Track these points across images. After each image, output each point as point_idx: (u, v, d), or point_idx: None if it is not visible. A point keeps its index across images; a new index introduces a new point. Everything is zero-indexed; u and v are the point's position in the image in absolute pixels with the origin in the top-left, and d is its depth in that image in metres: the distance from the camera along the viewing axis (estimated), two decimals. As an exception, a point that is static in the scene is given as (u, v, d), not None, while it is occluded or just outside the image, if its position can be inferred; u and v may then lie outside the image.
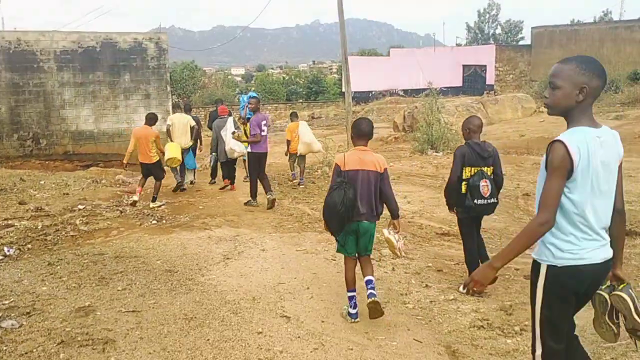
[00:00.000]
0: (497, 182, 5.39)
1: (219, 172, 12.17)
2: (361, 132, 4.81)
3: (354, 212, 4.55)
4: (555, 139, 2.56)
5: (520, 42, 60.34)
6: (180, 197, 11.07)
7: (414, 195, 10.14)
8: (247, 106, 10.81)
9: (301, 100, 49.80)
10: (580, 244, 2.60)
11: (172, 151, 10.99)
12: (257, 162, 9.75)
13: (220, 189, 11.78)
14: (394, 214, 4.89)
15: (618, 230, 2.78)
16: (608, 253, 2.67)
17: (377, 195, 4.75)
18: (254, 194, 9.96)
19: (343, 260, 4.95)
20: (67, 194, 11.48)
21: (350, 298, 4.75)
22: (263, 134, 9.62)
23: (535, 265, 2.74)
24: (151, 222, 8.90)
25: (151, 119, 10.55)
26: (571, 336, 2.83)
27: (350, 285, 4.75)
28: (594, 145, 2.54)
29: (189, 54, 69.47)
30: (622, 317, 2.71)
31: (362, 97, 40.71)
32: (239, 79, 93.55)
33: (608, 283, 2.78)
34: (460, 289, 5.34)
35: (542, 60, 42.02)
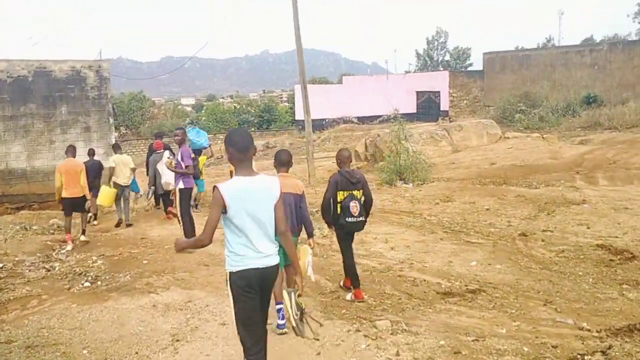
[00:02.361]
0: (366, 203, 6.26)
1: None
2: (282, 161, 5.67)
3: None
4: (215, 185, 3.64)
5: (469, 68, 60.84)
6: (121, 246, 9.41)
7: (396, 238, 8.81)
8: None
9: (253, 129, 48.40)
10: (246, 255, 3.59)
11: (107, 198, 11.48)
12: (187, 197, 9.15)
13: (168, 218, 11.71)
14: (310, 234, 5.79)
15: (286, 246, 3.85)
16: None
17: (296, 214, 5.57)
18: (190, 235, 8.63)
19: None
20: (-16, 248, 9.65)
21: (279, 310, 5.23)
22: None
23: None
24: (83, 284, 7.26)
25: (72, 151, 10.44)
26: (264, 332, 3.73)
27: (279, 298, 5.18)
28: (246, 188, 3.57)
29: (137, 85, 67.55)
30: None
31: (316, 125, 39.41)
32: (189, 109, 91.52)
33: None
34: (347, 297, 6.25)
35: (495, 85, 42.11)
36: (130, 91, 58.38)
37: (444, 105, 42.28)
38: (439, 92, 42.43)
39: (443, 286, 6.54)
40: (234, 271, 3.61)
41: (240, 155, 3.67)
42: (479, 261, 7.43)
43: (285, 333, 5.17)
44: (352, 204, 6.03)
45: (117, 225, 11.68)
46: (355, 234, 6.53)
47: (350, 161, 6.43)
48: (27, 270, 8.15)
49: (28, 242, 10.15)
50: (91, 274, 7.73)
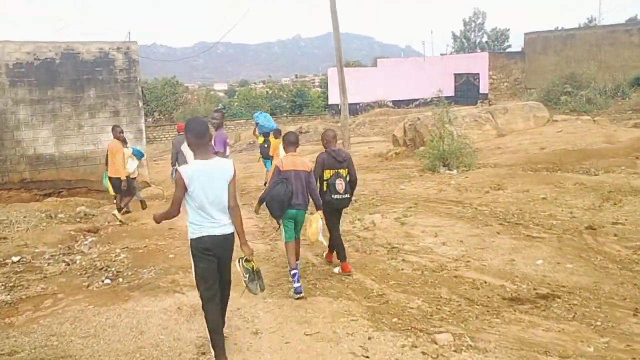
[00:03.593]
0: (351, 182, 6.55)
1: None
2: (291, 142, 6.19)
3: (291, 201, 5.84)
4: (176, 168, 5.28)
5: (508, 50, 58.84)
6: (147, 238, 8.75)
7: (446, 232, 7.92)
8: (256, 125, 12.42)
9: (286, 114, 47.70)
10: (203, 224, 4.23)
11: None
12: None
13: None
14: (317, 204, 6.12)
15: (235, 220, 4.34)
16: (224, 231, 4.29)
17: (306, 189, 5.99)
18: None
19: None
20: (5, 238, 9.12)
21: (294, 275, 5.76)
22: (226, 153, 8.27)
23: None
24: (103, 281, 6.60)
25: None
26: (218, 288, 4.37)
27: (293, 265, 5.85)
28: (203, 170, 4.19)
29: (171, 71, 67.54)
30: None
31: (350, 110, 38.21)
32: (221, 94, 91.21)
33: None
34: (335, 270, 6.54)
35: (536, 67, 40.40)
36: (163, 76, 58.31)
37: (484, 87, 40.70)
38: (478, 74, 40.84)
39: (508, 290, 5.66)
40: (193, 238, 4.26)
41: (197, 141, 4.24)
42: (545, 259, 6.52)
43: (303, 297, 5.59)
44: (337, 181, 6.34)
45: (143, 208, 11.91)
46: (344, 212, 7.09)
47: (336, 140, 6.71)
48: (46, 264, 7.54)
49: (50, 232, 9.58)
50: (113, 269, 7.08)
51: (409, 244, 7.42)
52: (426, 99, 41.36)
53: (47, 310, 5.64)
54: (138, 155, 12.27)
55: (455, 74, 42.59)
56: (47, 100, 15.81)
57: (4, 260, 7.67)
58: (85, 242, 8.95)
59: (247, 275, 4.60)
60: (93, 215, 12.49)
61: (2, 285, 6.46)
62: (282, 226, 6.06)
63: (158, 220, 4.44)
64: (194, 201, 4.18)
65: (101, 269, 7.12)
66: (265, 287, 4.85)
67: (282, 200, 5.78)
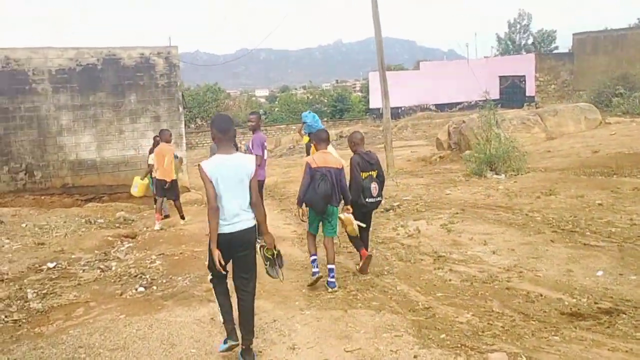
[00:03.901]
0: (381, 183, 6.47)
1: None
2: (322, 139, 6.24)
3: (331, 199, 5.98)
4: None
5: (555, 51, 57.18)
6: (184, 244, 8.54)
7: (496, 240, 7.43)
8: (302, 124, 11.71)
9: (326, 119, 47.44)
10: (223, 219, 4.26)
11: (141, 190, 11.90)
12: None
13: None
14: (347, 201, 6.16)
15: (257, 214, 4.41)
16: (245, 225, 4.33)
17: (337, 186, 6.00)
18: None
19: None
20: (43, 243, 9.06)
21: (313, 260, 6.05)
22: (264, 157, 7.95)
23: None
24: (137, 289, 6.38)
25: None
26: (236, 284, 4.50)
27: (314, 250, 6.10)
28: (223, 164, 4.25)
29: (213, 78, 68.34)
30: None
31: (392, 113, 37.80)
32: (262, 100, 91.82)
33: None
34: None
35: (586, 68, 39.07)
36: (206, 83, 59.06)
37: (530, 90, 39.57)
38: (524, 76, 39.74)
39: (567, 303, 5.16)
40: (206, 233, 4.61)
41: (221, 135, 4.33)
42: (606, 270, 5.97)
43: (336, 290, 5.81)
44: (372, 185, 6.29)
45: (165, 217, 11.50)
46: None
47: (364, 142, 6.59)
48: (81, 270, 7.40)
49: (88, 238, 9.50)
50: (147, 276, 6.87)
51: (457, 253, 6.97)
52: (470, 102, 40.55)
53: (78, 320, 5.43)
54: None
55: (500, 77, 41.58)
56: (89, 105, 15.94)
57: (40, 266, 7.58)
58: (122, 248, 8.82)
59: (268, 263, 4.86)
60: (132, 220, 12.45)
61: (36, 292, 6.31)
62: (308, 217, 6.23)
63: (213, 232, 4.25)
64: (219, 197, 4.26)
65: (135, 276, 6.92)
66: (284, 276, 5.06)
67: (327, 196, 5.90)
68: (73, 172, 15.97)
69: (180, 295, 6.04)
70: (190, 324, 5.13)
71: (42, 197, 15.53)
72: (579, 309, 4.99)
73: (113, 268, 7.47)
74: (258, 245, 4.66)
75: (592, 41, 39.45)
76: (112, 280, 6.81)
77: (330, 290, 5.81)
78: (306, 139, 14.07)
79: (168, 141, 10.74)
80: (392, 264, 6.67)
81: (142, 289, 6.39)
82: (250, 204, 4.36)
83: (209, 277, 4.56)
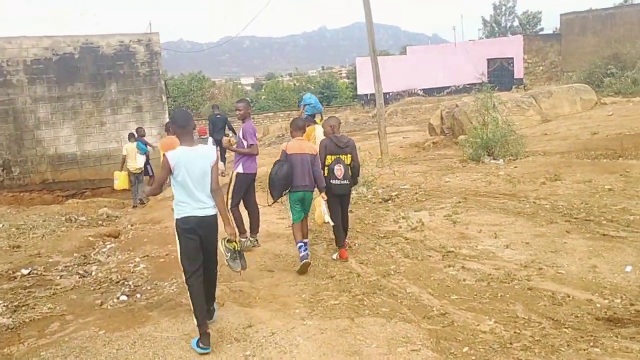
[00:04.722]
0: (353, 168, 6.58)
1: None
2: (298, 127, 6.56)
3: (298, 183, 6.20)
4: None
5: (541, 33, 56.76)
6: (170, 244, 7.86)
7: (507, 231, 6.91)
8: (303, 107, 11.66)
9: (315, 106, 46.61)
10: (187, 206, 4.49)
11: (122, 182, 12.95)
12: (245, 186, 7.16)
13: None
14: (321, 189, 6.34)
15: (218, 202, 4.61)
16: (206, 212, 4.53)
17: (311, 171, 6.26)
18: (242, 228, 7.13)
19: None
20: (19, 246, 8.42)
21: (301, 246, 6.18)
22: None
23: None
24: (118, 297, 5.79)
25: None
26: (201, 263, 4.56)
27: (299, 238, 6.26)
28: (187, 154, 4.47)
29: (198, 66, 67.19)
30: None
31: (380, 99, 37.61)
32: (248, 88, 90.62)
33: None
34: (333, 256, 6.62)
35: (574, 49, 38.67)
36: (190, 72, 58.05)
37: (518, 72, 39.11)
38: (512, 58, 39.25)
39: (599, 305, 4.65)
40: (178, 218, 4.51)
41: (181, 130, 4.62)
42: (635, 265, 5.46)
43: (309, 263, 6.06)
44: (336, 167, 6.38)
45: (134, 207, 12.71)
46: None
47: (339, 127, 6.78)
48: (58, 277, 6.80)
49: (67, 239, 8.87)
50: (130, 282, 6.28)
51: (466, 247, 6.44)
52: (458, 86, 40.08)
53: (52, 337, 4.84)
54: (142, 149, 12.79)
55: (488, 59, 41.01)
56: (67, 97, 15.23)
57: (13, 273, 6.96)
58: (104, 249, 8.22)
59: (229, 254, 4.94)
60: (116, 217, 11.84)
61: (6, 305, 5.69)
62: (289, 207, 6.44)
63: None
64: (179, 184, 4.48)
65: (117, 282, 6.33)
66: (247, 266, 5.15)
67: (285, 180, 6.11)
68: (53, 167, 15.28)
69: (167, 304, 5.46)
70: (178, 340, 4.56)
71: (21, 194, 14.85)
72: (615, 313, 4.47)
73: (93, 273, 6.88)
74: (220, 239, 4.80)
75: (580, 21, 39.04)
76: (92, 288, 6.22)
77: (302, 262, 6.01)
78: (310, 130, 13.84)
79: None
80: (398, 262, 6.13)
81: (124, 297, 5.80)
82: (211, 190, 4.57)
83: (184, 277, 4.60)
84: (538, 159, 12.15)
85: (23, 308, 5.60)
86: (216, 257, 4.75)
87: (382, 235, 7.31)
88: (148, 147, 12.92)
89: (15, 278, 6.75)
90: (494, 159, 12.65)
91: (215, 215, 4.56)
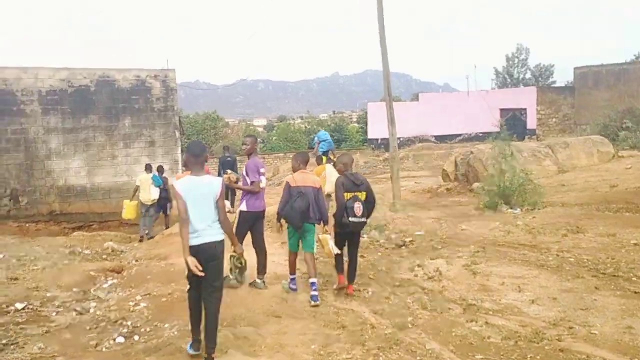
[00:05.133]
0: (369, 204, 6.57)
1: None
2: (303, 161, 6.73)
3: (307, 215, 6.38)
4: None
5: (554, 85, 56.99)
6: (174, 282, 7.52)
7: (531, 285, 6.51)
8: (318, 143, 12.52)
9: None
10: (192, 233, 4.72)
11: (130, 212, 13.12)
12: (248, 224, 6.87)
13: None
14: (325, 222, 6.57)
15: (225, 229, 4.91)
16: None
17: (315, 204, 6.44)
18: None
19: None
20: (17, 279, 8.09)
21: (292, 279, 6.68)
22: (261, 184, 6.92)
23: None
24: (115, 339, 5.41)
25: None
26: (205, 290, 4.81)
27: (293, 271, 6.72)
28: (194, 184, 4.78)
29: (213, 107, 67.98)
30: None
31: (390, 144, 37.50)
32: (260, 129, 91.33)
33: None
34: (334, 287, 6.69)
35: (587, 102, 38.64)
36: (204, 112, 58.78)
37: (531, 123, 39.00)
38: (525, 109, 39.20)
39: (640, 372, 4.24)
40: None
41: (193, 159, 4.92)
42: (672, 327, 5.04)
43: (317, 305, 6.10)
44: (355, 204, 6.33)
45: (140, 241, 12.76)
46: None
47: (352, 165, 6.88)
48: (54, 313, 6.44)
49: (68, 273, 8.51)
50: (129, 322, 5.90)
51: (489, 301, 6.04)
52: (470, 134, 39.99)
53: (40, 380, 4.46)
54: (156, 182, 13.01)
55: (501, 109, 41.00)
56: (80, 129, 15.13)
57: (7, 307, 6.60)
58: (105, 285, 7.85)
59: (237, 270, 5.72)
60: (121, 251, 11.52)
61: (-8, 343, 5.32)
62: (288, 236, 6.68)
63: (184, 240, 4.69)
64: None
65: (115, 322, 5.95)
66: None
67: (303, 212, 6.27)
68: (61, 199, 15.07)
69: (166, 349, 5.08)
70: (176, 390, 4.17)
71: (27, 225, 14.59)
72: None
73: (91, 310, 6.52)
74: (229, 255, 5.25)
75: (594, 75, 39.14)
76: (88, 327, 5.84)
77: (312, 304, 6.11)
78: (325, 159, 13.86)
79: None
80: (416, 314, 5.74)
81: (121, 339, 5.42)
82: (219, 220, 4.84)
83: (187, 287, 4.95)
84: (557, 210, 11.77)
85: (11, 347, 5.23)
86: (217, 282, 4.87)
87: (397, 284, 6.93)
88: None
89: (9, 312, 6.38)
90: (511, 208, 12.30)
91: (216, 242, 4.77)
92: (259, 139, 54.95)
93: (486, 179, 13.74)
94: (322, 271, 7.67)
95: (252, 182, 6.82)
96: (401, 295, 6.44)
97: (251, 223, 6.87)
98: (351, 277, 6.53)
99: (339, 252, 6.46)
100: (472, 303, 5.98)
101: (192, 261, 4.58)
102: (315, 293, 6.22)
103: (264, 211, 7.09)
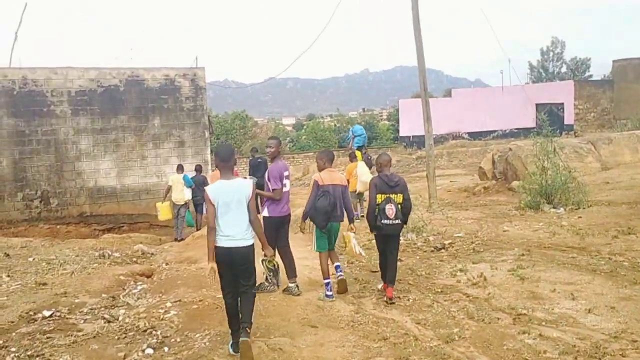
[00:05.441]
0: (404, 207, 6.35)
1: None
2: (328, 158, 6.68)
3: (333, 213, 6.35)
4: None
5: (591, 79, 55.47)
6: (205, 288, 7.24)
7: (585, 292, 6.03)
8: (353, 137, 12.88)
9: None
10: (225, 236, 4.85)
11: (165, 213, 13.08)
12: (273, 230, 6.65)
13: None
14: (351, 220, 6.62)
15: (255, 229, 4.98)
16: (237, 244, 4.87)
17: (341, 202, 6.45)
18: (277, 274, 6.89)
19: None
20: (45, 284, 7.91)
21: (327, 284, 6.39)
22: (285, 189, 6.77)
23: None
24: (143, 350, 5.14)
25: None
26: (239, 290, 4.96)
27: (326, 275, 6.44)
28: (225, 188, 4.88)
29: (242, 106, 68.25)
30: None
31: (422, 142, 36.83)
32: (289, 128, 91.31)
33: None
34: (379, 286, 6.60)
35: (627, 96, 37.43)
36: (234, 111, 58.93)
37: (569, 118, 37.91)
38: (562, 104, 38.10)
39: None
40: (216, 245, 4.88)
41: (223, 163, 5.04)
42: None
43: (333, 300, 6.24)
44: (388, 206, 6.18)
45: (176, 240, 12.74)
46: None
47: (390, 165, 6.63)
48: (82, 321, 6.21)
49: (97, 277, 8.32)
50: (158, 332, 5.62)
51: (541, 310, 5.59)
52: (504, 131, 39.10)
53: (64, 397, 4.20)
54: (188, 182, 13.05)
55: (537, 104, 39.96)
56: (110, 129, 15.05)
57: (35, 314, 6.40)
58: (134, 291, 7.63)
59: (271, 273, 5.89)
60: (151, 254, 11.34)
61: (19, 354, 5.09)
62: (314, 236, 6.53)
63: (210, 246, 4.86)
64: (217, 214, 4.84)
65: (144, 331, 5.67)
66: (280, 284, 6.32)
67: (327, 212, 6.25)
68: (91, 200, 15.01)
69: (197, 361, 4.78)
70: (207, 410, 3.85)
71: (58, 227, 14.57)
72: None
73: (120, 318, 6.26)
74: (260, 259, 5.32)
75: (634, 68, 37.89)
76: (116, 337, 5.57)
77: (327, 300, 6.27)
78: (358, 154, 13.59)
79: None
80: (462, 324, 5.32)
81: (150, 350, 5.14)
82: (250, 221, 4.91)
83: (222, 292, 5.09)
84: (603, 209, 11.20)
85: (37, 359, 4.99)
86: (250, 281, 4.99)
87: (439, 290, 6.52)
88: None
89: (36, 320, 6.18)
90: (554, 207, 11.76)
91: (248, 247, 4.87)
92: (288, 138, 54.85)
93: (527, 177, 13.20)
94: (359, 277, 7.32)
95: (273, 190, 6.64)
96: (444, 303, 6.03)
97: (275, 228, 6.69)
98: (390, 280, 6.27)
99: (360, 252, 6.67)
100: (523, 312, 5.54)
101: (212, 269, 4.77)
102: (330, 293, 6.29)
103: (288, 215, 6.92)
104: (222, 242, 4.81)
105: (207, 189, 4.95)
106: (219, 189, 4.87)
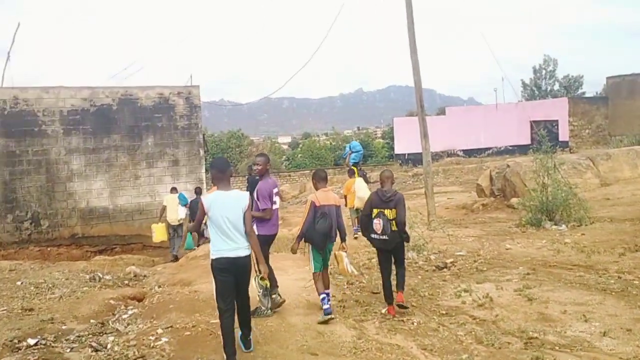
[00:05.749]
0: (397, 223, 6.22)
1: None
2: (322, 178, 6.55)
3: (330, 234, 6.29)
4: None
5: (585, 96, 55.66)
6: (198, 312, 6.93)
7: (598, 313, 5.75)
8: (350, 153, 12.69)
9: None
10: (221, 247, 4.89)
11: (160, 235, 12.70)
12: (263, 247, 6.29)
13: None
14: (343, 239, 6.50)
15: (251, 242, 4.97)
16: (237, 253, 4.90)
17: (336, 222, 6.35)
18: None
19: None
20: (32, 309, 7.58)
21: (323, 299, 6.16)
22: (274, 206, 6.66)
23: None
24: (133, 381, 4.82)
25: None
26: (234, 301, 4.94)
27: (321, 289, 6.24)
28: (221, 199, 4.89)
29: (238, 125, 68.35)
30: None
31: (417, 159, 36.70)
32: (285, 146, 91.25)
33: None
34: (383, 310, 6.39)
35: (621, 112, 37.52)
36: (229, 130, 59.00)
37: (563, 135, 37.82)
38: (556, 121, 38.08)
39: None
40: (213, 258, 4.92)
41: (219, 175, 5.11)
42: None
43: (332, 318, 6.00)
44: (376, 221, 6.23)
45: (173, 261, 12.36)
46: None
47: (392, 181, 6.59)
48: (68, 349, 5.88)
49: (86, 301, 7.99)
50: (149, 361, 5.30)
51: (552, 333, 5.31)
52: (499, 148, 39.04)
53: None
54: (183, 200, 12.81)
55: (531, 121, 39.95)
56: (103, 149, 14.79)
57: (19, 342, 6.07)
58: (124, 316, 7.30)
59: (261, 291, 5.59)
60: (144, 276, 11.00)
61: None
62: (311, 257, 6.37)
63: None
64: (214, 225, 4.87)
65: (135, 360, 5.36)
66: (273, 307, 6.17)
67: (326, 234, 6.20)
68: (83, 221, 14.69)
69: (190, 394, 4.47)
70: None
71: (49, 249, 14.24)
72: None
73: (108, 346, 5.93)
74: (253, 276, 5.20)
75: (628, 85, 38.03)
76: (105, 365, 5.26)
77: (325, 318, 6.01)
78: (351, 182, 13.39)
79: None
80: (470, 350, 5.04)
81: (140, 381, 4.83)
82: (245, 232, 4.92)
83: (218, 314, 4.97)
84: (606, 226, 10.97)
85: (19, 391, 4.68)
86: (247, 294, 5.07)
87: (444, 312, 6.24)
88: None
89: (20, 349, 5.86)
90: (556, 224, 11.53)
91: (248, 256, 4.93)
92: (284, 157, 54.71)
93: (526, 194, 12.99)
94: (360, 299, 7.02)
95: (262, 210, 6.47)
96: (450, 326, 5.75)
97: (264, 245, 6.40)
98: (400, 285, 6.29)
99: (352, 271, 6.70)
100: (534, 336, 5.26)
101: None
102: (327, 306, 6.06)
103: (274, 235, 6.81)
104: (225, 252, 4.83)
105: (203, 198, 5.00)
106: (215, 199, 4.89)
